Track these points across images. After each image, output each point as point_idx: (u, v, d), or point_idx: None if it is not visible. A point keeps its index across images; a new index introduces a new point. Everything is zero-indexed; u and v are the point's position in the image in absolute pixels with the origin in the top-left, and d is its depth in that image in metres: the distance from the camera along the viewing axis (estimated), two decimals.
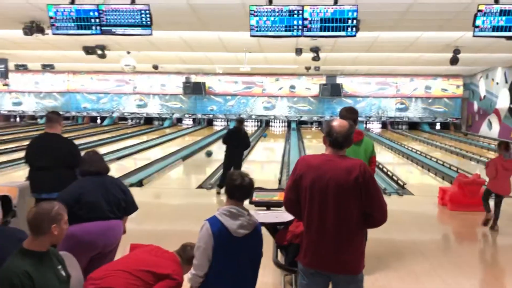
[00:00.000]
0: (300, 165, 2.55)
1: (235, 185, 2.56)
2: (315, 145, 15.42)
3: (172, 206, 6.89)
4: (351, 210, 2.44)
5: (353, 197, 2.43)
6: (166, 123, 22.23)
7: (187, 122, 22.67)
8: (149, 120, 22.59)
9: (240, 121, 7.86)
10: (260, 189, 4.05)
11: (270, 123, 22.02)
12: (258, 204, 3.90)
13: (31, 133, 16.54)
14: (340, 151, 2.53)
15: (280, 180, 8.75)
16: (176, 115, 22.21)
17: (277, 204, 3.87)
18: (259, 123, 21.96)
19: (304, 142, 15.41)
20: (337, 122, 2.55)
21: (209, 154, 12.48)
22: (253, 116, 21.70)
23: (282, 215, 3.68)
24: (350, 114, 3.65)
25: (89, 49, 11.48)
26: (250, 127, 21.51)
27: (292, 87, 21.50)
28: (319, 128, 21.39)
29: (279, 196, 3.92)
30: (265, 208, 3.90)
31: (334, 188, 2.44)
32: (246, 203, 2.71)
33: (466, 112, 20.75)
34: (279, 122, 22.05)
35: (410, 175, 10.33)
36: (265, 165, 11.66)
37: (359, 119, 20.85)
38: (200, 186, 8.27)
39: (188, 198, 7.46)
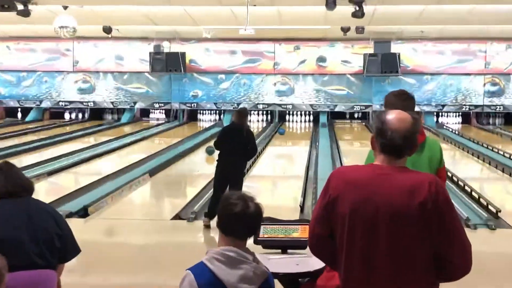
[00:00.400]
0: (335, 182, 2.58)
1: (233, 214, 2.57)
2: (357, 151, 15.41)
3: (134, 248, 6.94)
4: (414, 253, 2.46)
5: (418, 233, 2.45)
6: (125, 117, 22.38)
7: (158, 115, 22.79)
8: (97, 113, 22.73)
9: (242, 114, 7.89)
10: (272, 220, 4.07)
11: (287, 117, 22.09)
12: (268, 244, 3.94)
13: None
14: (398, 160, 2.56)
15: (302, 206, 8.78)
16: (141, 105, 22.32)
17: (298, 245, 3.89)
18: (269, 117, 22.04)
19: (341, 146, 15.46)
20: (394, 115, 2.56)
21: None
22: (260, 106, 21.79)
23: (306, 262, 3.72)
24: (402, 101, 3.60)
25: (4, 3, 11.55)
26: (255, 123, 21.61)
27: (321, 59, 21.56)
28: (365, 123, 21.43)
29: (300, 232, 3.95)
30: (279, 250, 3.93)
31: (388, 218, 2.46)
32: (250, 242, 2.73)
33: None
34: (301, 114, 22.10)
35: (508, 197, 10.29)
36: (279, 182, 11.69)
37: (426, 109, 20.95)
38: (177, 216, 8.31)
39: (159, 234, 7.51)
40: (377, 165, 2.58)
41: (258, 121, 22.02)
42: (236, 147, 7.72)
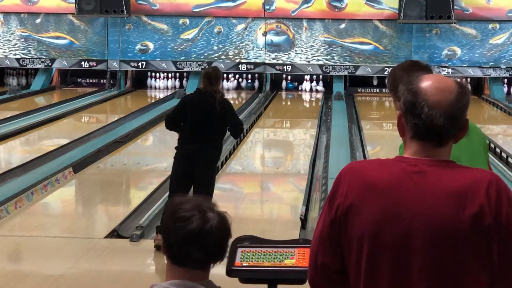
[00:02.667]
0: (347, 185, 2.60)
1: (186, 234, 2.60)
2: (389, 136, 15.43)
3: (49, 280, 6.94)
4: (468, 285, 2.50)
5: (471, 259, 2.49)
6: (37, 82, 22.25)
7: (87, 80, 22.69)
8: None
9: (212, 77, 7.88)
10: (255, 240, 4.09)
11: (283, 83, 22.08)
12: (249, 276, 3.95)
13: None
14: (440, 149, 2.58)
15: (304, 219, 8.82)
16: (61, 64, 22.23)
17: (293, 277, 3.92)
18: (256, 83, 22.02)
19: (364, 128, 15.50)
20: (431, 81, 2.58)
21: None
22: (243, 67, 21.76)
23: None
24: (416, 72, 3.69)
25: None
26: (233, 93, 21.58)
27: None
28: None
29: (297, 259, 3.96)
30: (264, 286, 3.96)
31: (427, 239, 2.49)
32: (218, 272, 2.74)
33: None
34: (304, 80, 22.08)
35: None
36: (270, 183, 11.72)
37: (492, 73, 21.03)
38: (114, 233, 8.33)
39: (86, 260, 7.53)
40: (408, 158, 2.60)
41: (239, 89, 21.99)
42: (204, 128, 7.74)
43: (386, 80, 3.98)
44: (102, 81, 22.37)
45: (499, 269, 2.49)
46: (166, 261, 2.68)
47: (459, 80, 2.66)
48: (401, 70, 3.97)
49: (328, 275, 2.67)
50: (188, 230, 2.59)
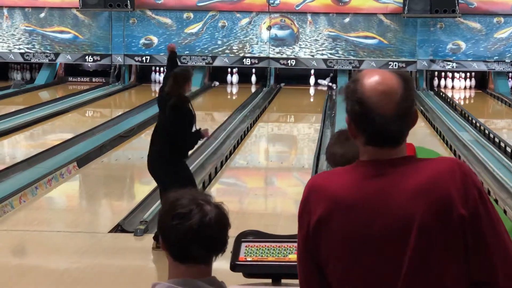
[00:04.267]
0: (314, 201, 2.58)
1: (186, 229, 2.59)
2: None
3: (54, 274, 6.95)
4: (443, 282, 2.50)
5: (446, 252, 2.48)
6: (41, 76, 22.27)
7: (91, 75, 22.70)
8: (1, 70, 22.62)
9: (175, 79, 7.63)
10: (259, 235, 4.11)
11: (286, 80, 22.07)
12: (253, 271, 3.97)
13: None
14: (397, 147, 2.55)
15: None
16: (65, 58, 22.24)
17: (296, 272, 3.87)
18: (259, 78, 22.03)
19: None
20: (373, 84, 2.49)
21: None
22: (247, 61, 21.75)
23: None
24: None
25: None
26: (237, 87, 21.55)
27: None
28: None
29: None
30: (269, 281, 3.98)
31: (402, 238, 2.48)
32: (220, 266, 2.77)
33: None
34: (309, 76, 22.08)
35: None
36: (274, 178, 11.71)
37: (497, 67, 20.99)
38: (119, 227, 8.33)
39: (91, 254, 7.53)
40: (367, 162, 2.56)
41: (243, 83, 22.01)
42: (158, 130, 7.73)
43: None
44: (105, 76, 22.37)
45: (472, 257, 2.48)
46: (167, 258, 2.66)
47: (401, 71, 2.60)
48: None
49: (310, 277, 2.63)
50: (188, 227, 2.56)
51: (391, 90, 2.50)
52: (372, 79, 2.51)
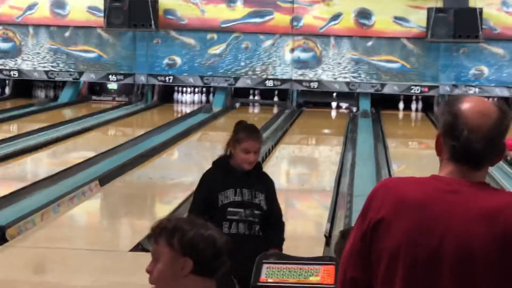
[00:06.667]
0: (380, 200, 2.60)
1: (215, 244, 2.68)
2: (416, 155, 15.35)
3: None
4: None
5: (499, 281, 2.47)
6: (65, 95, 22.38)
7: (114, 94, 22.81)
8: (24, 88, 22.72)
9: None
10: (280, 257, 4.15)
11: (306, 102, 22.07)
12: None
13: None
14: (476, 172, 2.59)
15: (329, 236, 8.84)
16: (89, 77, 22.35)
17: None
18: (279, 98, 22.04)
19: (390, 147, 15.47)
20: (472, 103, 2.58)
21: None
22: (270, 83, 21.79)
23: None
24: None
25: None
26: (259, 109, 21.55)
27: (364, 15, 21.52)
28: (428, 113, 21.40)
29: (323, 276, 3.98)
30: None
31: (456, 258, 2.49)
32: None
33: None
34: (330, 98, 22.03)
35: None
36: (294, 199, 11.68)
37: None
38: (140, 246, 8.34)
39: (111, 272, 7.56)
40: (443, 177, 2.60)
41: (265, 105, 21.99)
42: None
43: None
44: (129, 95, 22.45)
45: None
46: (185, 271, 2.70)
47: (500, 103, 2.67)
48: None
49: (353, 286, 2.66)
50: (217, 242, 2.68)
51: (486, 113, 2.56)
52: (471, 100, 2.60)
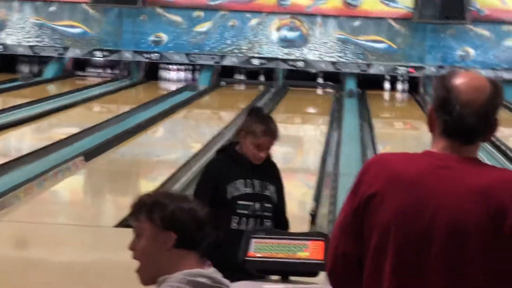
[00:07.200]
0: (373, 175, 2.60)
1: (198, 218, 2.66)
2: (401, 135, 15.39)
3: (58, 268, 6.96)
4: (484, 283, 2.48)
5: (490, 259, 2.47)
6: (50, 70, 22.30)
7: (100, 70, 22.78)
8: (8, 63, 22.59)
9: None
10: (269, 232, 4.15)
11: (292, 83, 22.09)
12: (262, 267, 3.98)
13: None
14: (468, 147, 2.59)
15: (314, 215, 8.83)
16: (74, 53, 22.26)
17: (306, 269, 3.94)
18: (265, 77, 22.05)
19: (376, 127, 15.49)
20: (466, 79, 2.58)
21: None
22: (256, 61, 21.76)
23: None
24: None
25: None
26: (244, 88, 21.51)
27: None
28: (413, 94, 21.43)
29: (311, 251, 3.98)
30: (277, 277, 3.97)
31: (447, 234, 2.49)
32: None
33: None
34: (317, 77, 22.08)
35: None
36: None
37: (505, 75, 20.93)
38: (125, 222, 8.29)
39: (96, 249, 7.58)
40: (436, 153, 2.59)
41: (251, 83, 22.02)
42: None
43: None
44: (114, 71, 22.40)
45: None
46: (169, 249, 2.68)
47: (493, 78, 2.65)
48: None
49: (348, 265, 2.65)
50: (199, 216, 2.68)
51: (480, 88, 2.56)
52: (465, 74, 2.60)
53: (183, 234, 2.66)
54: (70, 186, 10.31)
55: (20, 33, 22.17)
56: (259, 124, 4.90)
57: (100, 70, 22.70)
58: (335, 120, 16.34)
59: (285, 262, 3.93)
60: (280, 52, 21.75)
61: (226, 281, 2.69)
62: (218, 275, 2.69)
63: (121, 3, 21.15)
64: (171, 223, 2.67)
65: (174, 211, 2.68)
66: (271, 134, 4.94)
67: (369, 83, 21.82)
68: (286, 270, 3.95)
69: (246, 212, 4.82)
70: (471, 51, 21.20)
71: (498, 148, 13.23)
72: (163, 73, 22.27)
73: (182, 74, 22.20)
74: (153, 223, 2.68)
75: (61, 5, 22.01)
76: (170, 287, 2.61)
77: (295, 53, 21.74)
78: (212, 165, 5.10)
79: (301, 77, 22.22)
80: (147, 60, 22.04)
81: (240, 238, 4.07)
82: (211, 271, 2.68)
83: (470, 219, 2.47)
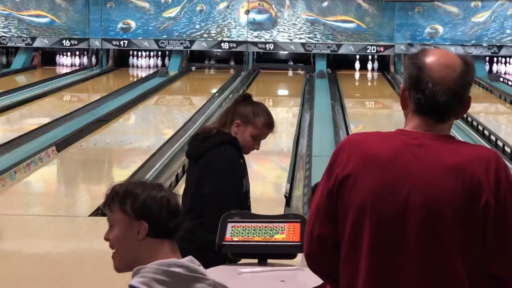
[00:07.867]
0: (346, 155, 2.60)
1: (165, 203, 2.69)
2: (372, 114, 15.44)
3: (32, 259, 6.92)
4: (458, 269, 2.50)
5: (465, 239, 2.49)
6: (18, 61, 22.16)
7: (67, 59, 22.66)
8: None
9: None
10: (245, 216, 4.13)
11: (262, 65, 22.11)
12: (239, 251, 3.98)
13: None
14: (441, 124, 2.59)
15: (289, 197, 8.86)
16: (42, 43, 22.12)
17: (283, 252, 3.96)
18: (235, 60, 22.03)
19: (347, 107, 15.53)
20: (437, 57, 2.59)
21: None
22: (225, 45, 21.73)
23: (295, 277, 3.78)
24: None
25: None
26: (214, 72, 21.49)
27: None
28: (384, 73, 21.51)
29: (288, 233, 3.98)
30: (255, 260, 3.99)
31: (422, 213, 2.49)
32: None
33: None
34: (287, 59, 22.04)
35: None
36: (252, 161, 11.68)
37: (474, 51, 21.04)
38: (99, 211, 8.29)
39: (70, 238, 7.53)
40: (409, 131, 2.60)
41: (221, 67, 22.00)
42: None
43: None
44: (82, 60, 22.31)
45: (492, 249, 2.49)
46: (142, 237, 2.68)
47: (464, 56, 2.66)
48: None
49: (324, 247, 2.66)
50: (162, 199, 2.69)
51: (451, 65, 2.57)
52: (436, 52, 2.61)
53: (155, 223, 2.66)
54: (43, 176, 10.27)
55: None
56: (264, 118, 4.71)
57: (67, 61, 22.57)
58: (307, 102, 16.38)
59: (262, 245, 3.94)
60: (250, 35, 21.72)
61: (202, 269, 2.68)
62: (195, 264, 2.68)
63: None
64: (143, 213, 2.66)
65: (145, 200, 2.68)
66: (272, 126, 4.80)
67: (340, 63, 21.91)
68: (263, 253, 3.96)
69: (250, 206, 4.72)
70: (440, 28, 21.28)
71: (470, 124, 13.32)
72: (133, 60, 22.20)
73: (152, 61, 22.14)
74: (126, 213, 2.68)
75: None
76: (144, 277, 2.61)
77: (264, 36, 21.72)
78: (234, 158, 4.64)
79: (271, 60, 22.29)
80: (116, 48, 21.95)
81: None
82: (188, 259, 2.67)
83: (444, 196, 2.48)
